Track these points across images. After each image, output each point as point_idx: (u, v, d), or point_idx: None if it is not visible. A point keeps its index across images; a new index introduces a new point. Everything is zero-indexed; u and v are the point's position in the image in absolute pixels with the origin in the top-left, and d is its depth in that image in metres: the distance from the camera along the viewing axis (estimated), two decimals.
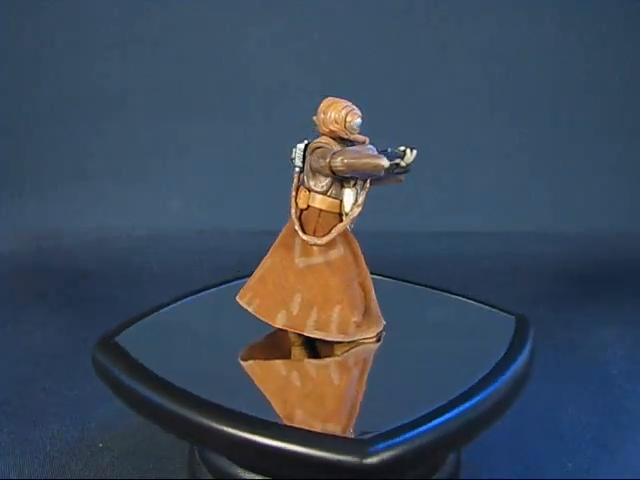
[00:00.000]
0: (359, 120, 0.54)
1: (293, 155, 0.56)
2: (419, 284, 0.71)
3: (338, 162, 0.51)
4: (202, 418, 0.47)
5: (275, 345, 0.57)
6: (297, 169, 0.55)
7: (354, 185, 0.54)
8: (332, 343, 0.55)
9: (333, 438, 0.45)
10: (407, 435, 0.44)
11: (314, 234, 0.55)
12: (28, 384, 0.77)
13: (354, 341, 0.56)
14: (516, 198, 1.29)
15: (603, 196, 1.30)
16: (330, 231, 0.54)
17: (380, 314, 0.58)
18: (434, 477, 0.54)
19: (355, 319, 0.55)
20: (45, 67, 1.29)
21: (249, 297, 0.57)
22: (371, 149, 0.54)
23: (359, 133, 0.55)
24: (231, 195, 1.27)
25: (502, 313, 0.63)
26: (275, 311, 0.56)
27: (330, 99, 0.55)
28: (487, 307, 0.65)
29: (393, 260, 0.99)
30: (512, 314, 0.62)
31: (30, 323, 0.94)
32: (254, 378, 0.54)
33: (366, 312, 0.57)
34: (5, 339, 0.89)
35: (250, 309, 0.57)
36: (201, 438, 0.48)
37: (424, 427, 0.45)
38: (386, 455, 0.43)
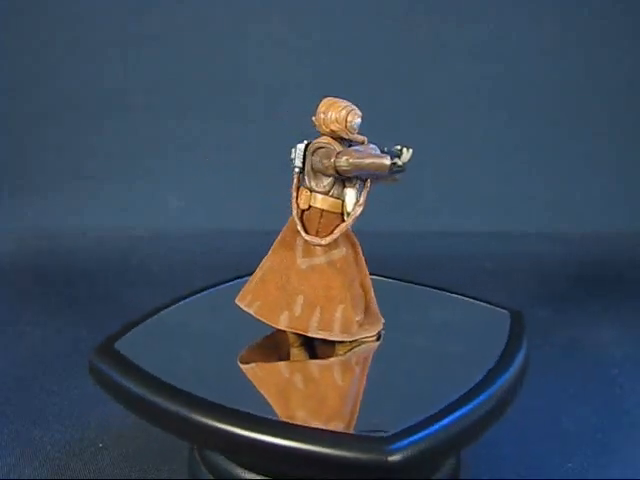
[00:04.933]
0: (359, 120, 0.54)
1: (293, 155, 0.55)
2: (418, 283, 0.71)
3: (343, 162, 0.52)
4: (206, 419, 0.47)
5: (274, 346, 0.57)
6: (297, 169, 0.55)
7: (355, 185, 0.54)
8: (333, 343, 0.55)
9: (352, 437, 0.44)
10: (426, 432, 0.44)
11: (317, 234, 0.55)
12: (28, 384, 0.77)
13: (356, 340, 0.56)
14: (516, 198, 1.29)
15: (603, 196, 1.30)
16: (333, 231, 0.54)
17: (379, 312, 0.58)
18: (434, 477, 0.54)
19: (357, 318, 0.55)
20: (45, 67, 1.29)
21: (249, 299, 0.57)
22: (374, 148, 0.54)
23: (358, 133, 0.55)
24: (231, 195, 1.27)
25: (497, 309, 0.64)
26: (277, 312, 0.56)
27: (329, 99, 0.55)
28: (483, 304, 0.66)
29: (393, 260, 0.99)
30: (507, 309, 0.63)
31: (30, 323, 0.94)
32: (255, 379, 0.54)
33: (366, 311, 0.57)
34: (5, 339, 0.89)
35: (251, 311, 0.57)
36: (206, 439, 0.48)
37: (441, 423, 0.45)
38: (409, 452, 0.42)
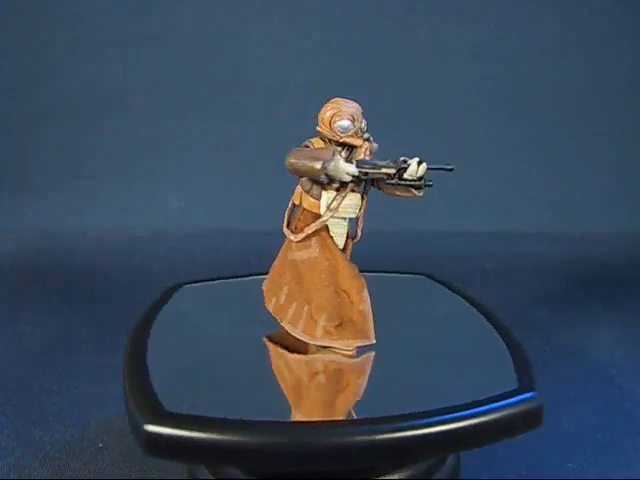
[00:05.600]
0: (344, 122, 0.52)
1: None
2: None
3: (286, 161, 0.52)
4: None
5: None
6: None
7: (332, 188, 0.53)
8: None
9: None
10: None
11: (294, 230, 0.55)
12: (28, 384, 0.77)
13: (326, 347, 0.55)
14: (516, 198, 1.29)
15: (603, 196, 1.30)
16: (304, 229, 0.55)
17: (369, 331, 0.55)
18: (434, 477, 0.54)
19: (323, 324, 0.55)
20: (45, 67, 1.29)
21: (266, 281, 0.60)
22: (333, 151, 0.52)
23: (363, 137, 0.53)
24: (231, 195, 1.27)
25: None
26: (271, 297, 0.58)
27: (334, 99, 0.54)
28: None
29: (393, 260, 0.99)
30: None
31: (30, 323, 0.94)
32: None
33: (348, 323, 0.55)
34: (5, 339, 0.89)
35: (264, 290, 0.59)
36: None
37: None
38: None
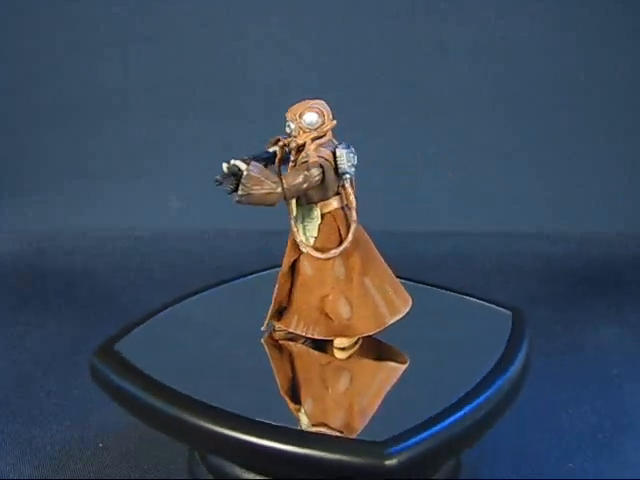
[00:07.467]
0: (289, 122, 0.56)
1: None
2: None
3: None
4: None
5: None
6: None
7: None
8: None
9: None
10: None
11: None
12: (28, 384, 0.77)
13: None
14: (516, 198, 1.29)
15: (603, 196, 1.30)
16: None
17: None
18: (434, 477, 0.54)
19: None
20: (45, 67, 1.29)
21: None
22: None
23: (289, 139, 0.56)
24: (231, 195, 1.27)
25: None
26: None
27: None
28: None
29: (393, 260, 0.99)
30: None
31: (30, 323, 0.94)
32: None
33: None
34: (5, 339, 0.89)
35: None
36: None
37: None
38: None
